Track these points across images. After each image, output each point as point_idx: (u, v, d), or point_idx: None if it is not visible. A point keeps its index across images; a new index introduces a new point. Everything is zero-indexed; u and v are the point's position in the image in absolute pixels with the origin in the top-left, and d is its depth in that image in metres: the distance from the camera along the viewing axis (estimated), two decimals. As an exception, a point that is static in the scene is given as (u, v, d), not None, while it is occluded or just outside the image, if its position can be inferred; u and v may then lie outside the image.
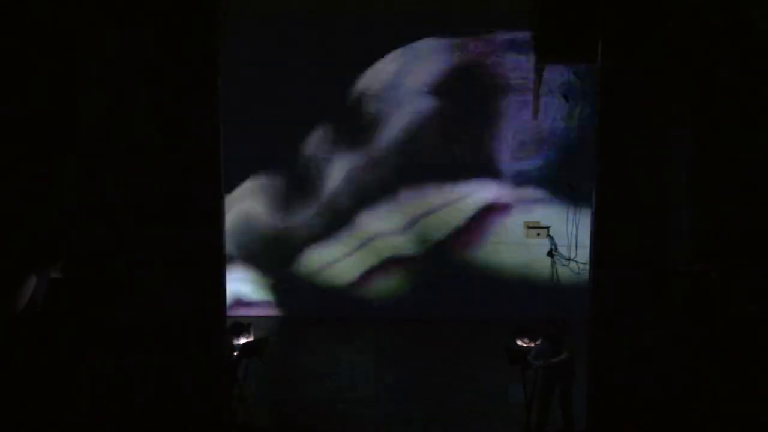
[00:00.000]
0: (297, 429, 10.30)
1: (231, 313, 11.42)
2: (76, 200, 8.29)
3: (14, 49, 7.94)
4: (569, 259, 14.82)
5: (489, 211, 14.95)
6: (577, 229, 14.56)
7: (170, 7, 8.19)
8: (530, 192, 14.92)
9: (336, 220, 14.92)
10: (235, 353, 10.19)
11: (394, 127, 14.63)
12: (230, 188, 14.28)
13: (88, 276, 8.32)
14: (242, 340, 10.44)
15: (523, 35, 13.23)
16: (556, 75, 14.02)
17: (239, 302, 14.67)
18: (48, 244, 8.15)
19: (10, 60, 7.97)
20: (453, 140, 14.69)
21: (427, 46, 14.48)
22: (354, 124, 14.59)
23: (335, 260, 15.04)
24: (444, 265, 15.05)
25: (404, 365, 12.82)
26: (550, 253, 14.87)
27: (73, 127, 8.22)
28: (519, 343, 9.99)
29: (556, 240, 14.83)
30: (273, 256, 14.89)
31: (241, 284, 14.81)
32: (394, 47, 14.44)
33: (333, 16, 14.11)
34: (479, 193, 14.86)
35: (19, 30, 7.97)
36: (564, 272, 14.88)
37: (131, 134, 8.29)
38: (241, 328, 10.51)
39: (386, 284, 15.07)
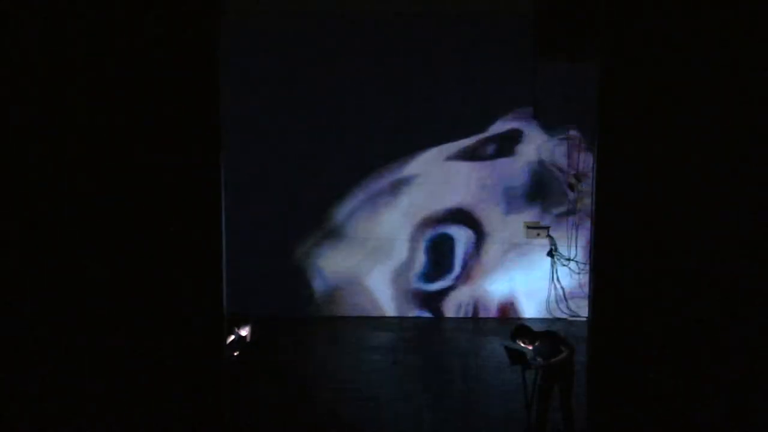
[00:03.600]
0: (295, 428, 10.30)
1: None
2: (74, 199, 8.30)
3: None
4: (569, 259, 14.83)
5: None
6: (577, 229, 14.58)
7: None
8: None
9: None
10: (233, 353, 10.20)
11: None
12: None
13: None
14: (243, 332, 10.44)
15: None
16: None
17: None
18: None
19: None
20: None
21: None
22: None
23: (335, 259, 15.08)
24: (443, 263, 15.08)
25: (403, 365, 12.82)
26: (550, 253, 14.87)
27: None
28: (519, 342, 9.98)
29: (556, 240, 14.85)
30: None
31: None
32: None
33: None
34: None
35: None
36: (564, 272, 14.90)
37: (129, 134, 8.29)
38: (242, 319, 10.50)
39: (386, 283, 15.09)
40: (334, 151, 14.67)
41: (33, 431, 8.36)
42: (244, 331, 10.47)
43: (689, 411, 8.68)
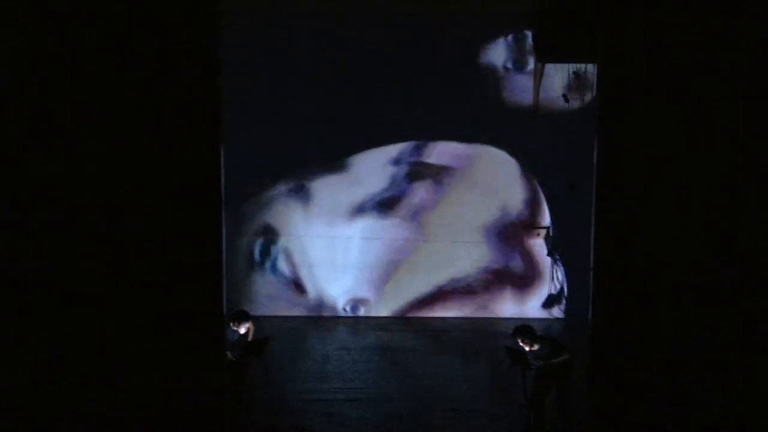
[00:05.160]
0: (297, 428, 10.30)
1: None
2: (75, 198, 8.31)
3: None
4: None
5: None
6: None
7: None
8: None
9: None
10: (234, 353, 10.18)
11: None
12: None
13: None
14: (242, 330, 10.43)
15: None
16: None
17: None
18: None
19: None
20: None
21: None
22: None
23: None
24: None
25: (404, 364, 12.83)
26: (550, 253, 14.86)
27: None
28: (520, 343, 9.98)
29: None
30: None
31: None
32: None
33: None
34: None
35: None
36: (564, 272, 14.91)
37: (130, 134, 8.29)
38: (241, 316, 10.49)
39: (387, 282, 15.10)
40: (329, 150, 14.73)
41: (32, 431, 8.37)
42: (243, 329, 10.45)
43: (689, 411, 8.68)
